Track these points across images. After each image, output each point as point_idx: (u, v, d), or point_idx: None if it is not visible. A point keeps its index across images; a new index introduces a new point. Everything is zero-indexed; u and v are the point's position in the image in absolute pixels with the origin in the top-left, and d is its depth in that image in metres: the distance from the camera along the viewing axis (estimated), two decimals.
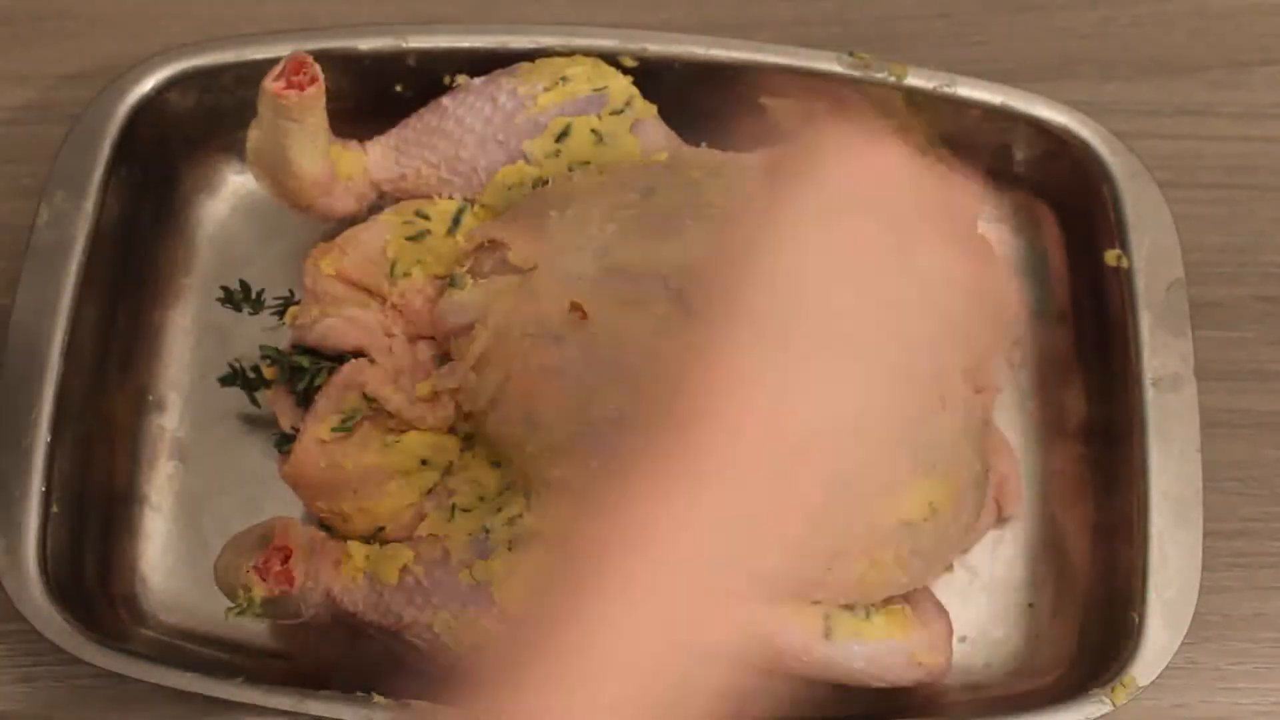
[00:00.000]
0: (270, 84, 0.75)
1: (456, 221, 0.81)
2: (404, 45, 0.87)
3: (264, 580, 0.74)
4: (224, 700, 0.77)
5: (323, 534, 0.78)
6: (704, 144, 0.84)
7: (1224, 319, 0.92)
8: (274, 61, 0.77)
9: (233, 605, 0.74)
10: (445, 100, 0.83)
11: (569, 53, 0.85)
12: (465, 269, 0.75)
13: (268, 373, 0.81)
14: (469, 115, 0.81)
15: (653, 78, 0.85)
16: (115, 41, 0.96)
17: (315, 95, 0.76)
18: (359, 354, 0.77)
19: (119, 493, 0.88)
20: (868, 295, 0.56)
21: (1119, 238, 0.86)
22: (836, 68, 0.88)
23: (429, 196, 0.82)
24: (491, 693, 0.51)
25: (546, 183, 0.78)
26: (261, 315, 0.85)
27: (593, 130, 0.81)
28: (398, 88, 0.88)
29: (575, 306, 0.72)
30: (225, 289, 0.86)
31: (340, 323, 0.78)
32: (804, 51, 0.88)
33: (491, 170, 0.81)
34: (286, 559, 0.74)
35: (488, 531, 0.74)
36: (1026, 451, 0.91)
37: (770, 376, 0.54)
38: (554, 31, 0.87)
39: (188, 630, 0.86)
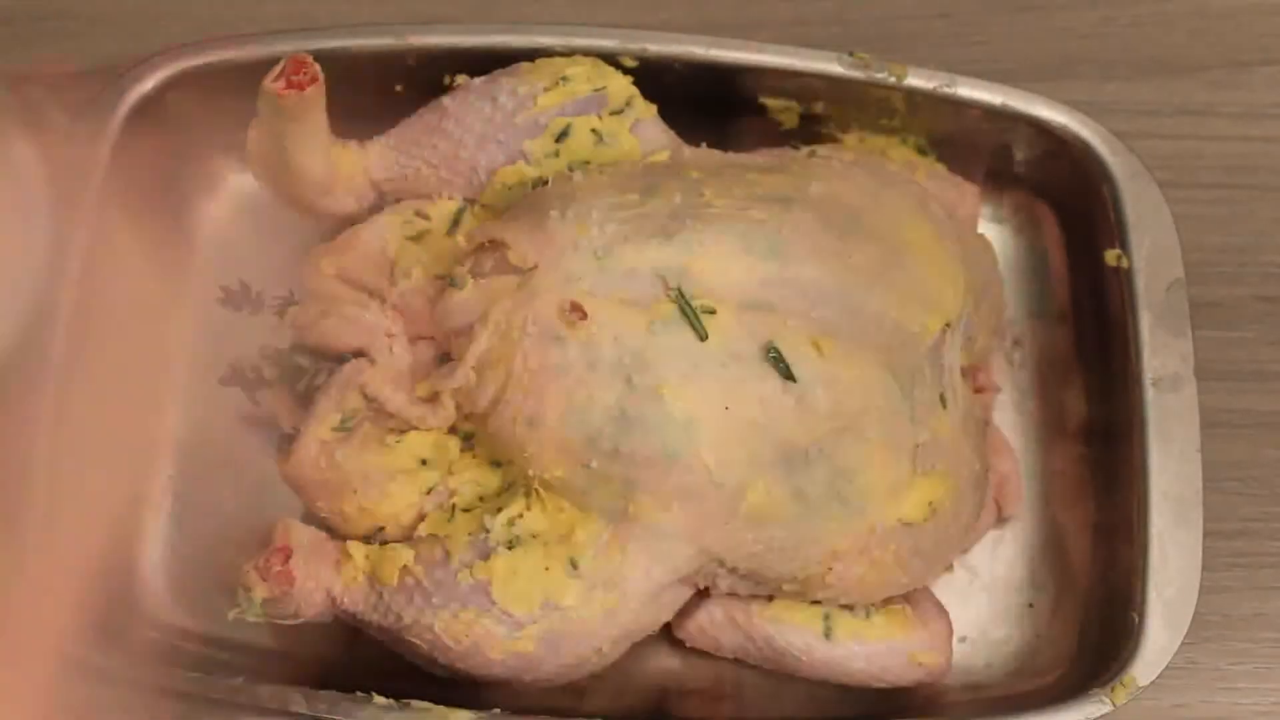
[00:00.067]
0: (270, 84, 0.75)
1: (456, 221, 0.81)
2: (404, 45, 0.87)
3: (264, 580, 0.74)
4: (224, 700, 0.77)
5: (323, 534, 0.78)
6: (704, 144, 0.84)
7: (1224, 319, 0.92)
8: (274, 61, 0.77)
9: (233, 605, 0.74)
10: (445, 100, 0.83)
11: (569, 53, 0.85)
12: (465, 269, 0.75)
13: (268, 373, 0.81)
14: (469, 115, 0.81)
15: (653, 78, 0.85)
16: (115, 41, 0.96)
17: (315, 95, 0.76)
18: (359, 354, 0.78)
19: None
20: None
21: (1119, 238, 0.86)
22: (836, 68, 0.88)
23: (429, 196, 0.82)
24: None
25: (546, 183, 0.78)
26: (261, 315, 0.85)
27: (593, 130, 0.81)
28: (398, 88, 0.88)
29: (575, 306, 0.72)
30: (225, 289, 0.86)
31: (340, 323, 0.78)
32: (804, 51, 0.88)
33: (491, 170, 0.81)
34: (287, 559, 0.74)
35: (488, 532, 0.74)
36: (1026, 451, 0.91)
37: None
38: (554, 31, 0.87)
39: (188, 630, 0.86)
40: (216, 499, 0.89)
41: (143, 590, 0.87)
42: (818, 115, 0.91)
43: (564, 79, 0.82)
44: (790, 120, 0.92)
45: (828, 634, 0.79)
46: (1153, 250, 0.86)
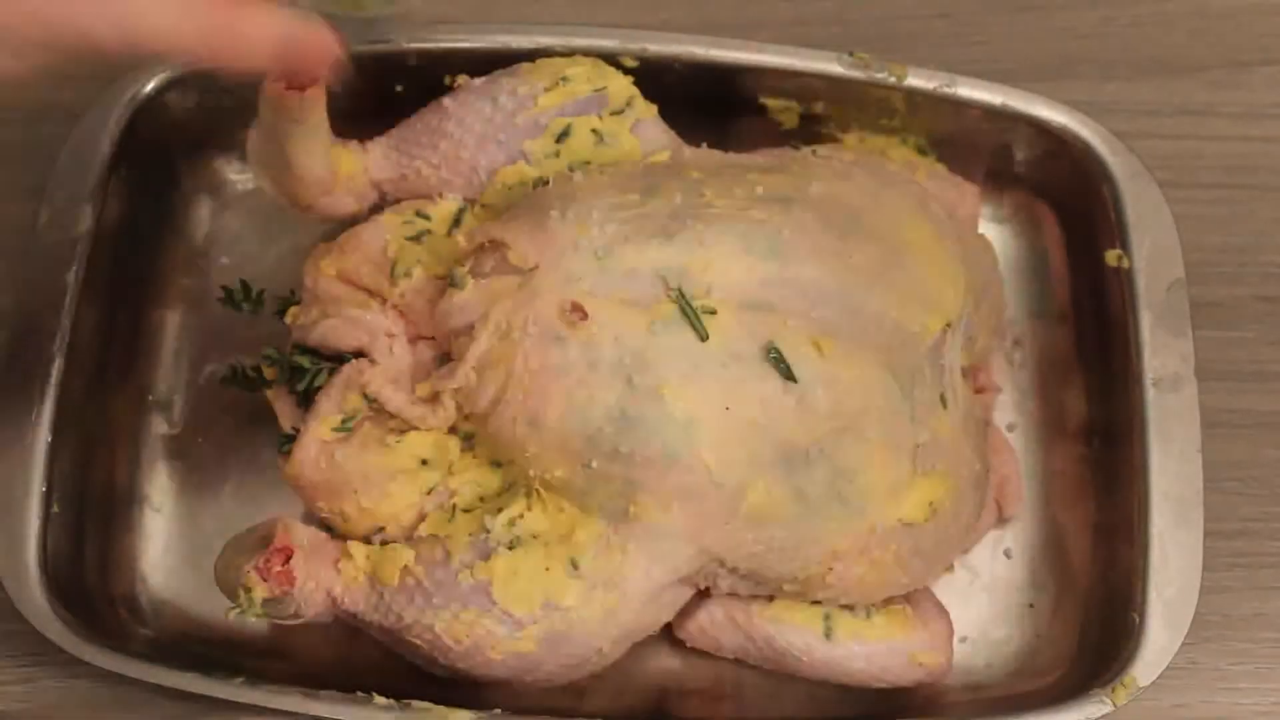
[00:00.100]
0: (271, 85, 0.75)
1: (457, 221, 0.81)
2: (404, 45, 0.87)
3: (264, 580, 0.74)
4: (224, 700, 0.77)
5: (323, 534, 0.78)
6: (704, 144, 0.84)
7: (1224, 319, 0.92)
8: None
9: (233, 605, 0.74)
10: (446, 100, 0.83)
11: (569, 53, 0.85)
12: (466, 269, 0.75)
13: (268, 373, 0.81)
14: (469, 115, 0.81)
15: (653, 78, 0.85)
16: None
17: (315, 96, 0.76)
18: (359, 354, 0.77)
19: (119, 493, 0.88)
20: None
21: (1119, 238, 0.87)
22: (836, 68, 0.88)
23: (429, 196, 0.82)
24: None
25: (547, 183, 0.78)
26: (261, 315, 0.85)
27: (593, 130, 0.81)
28: (398, 88, 0.88)
29: (576, 307, 0.72)
30: (225, 289, 0.86)
31: (341, 323, 0.78)
32: (804, 51, 0.88)
33: (492, 170, 0.81)
34: (287, 559, 0.74)
35: (488, 532, 0.74)
36: (1026, 451, 0.91)
37: None
38: (554, 31, 0.87)
39: (188, 630, 0.86)
40: (216, 499, 0.89)
41: (143, 590, 0.87)
42: (818, 115, 0.91)
43: (564, 79, 0.82)
44: (790, 120, 0.92)
45: (828, 634, 0.79)
46: (1153, 250, 0.86)
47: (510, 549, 0.74)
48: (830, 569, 0.76)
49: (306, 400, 0.79)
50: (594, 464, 0.72)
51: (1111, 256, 0.87)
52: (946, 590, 0.86)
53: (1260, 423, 0.91)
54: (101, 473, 0.87)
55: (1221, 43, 0.99)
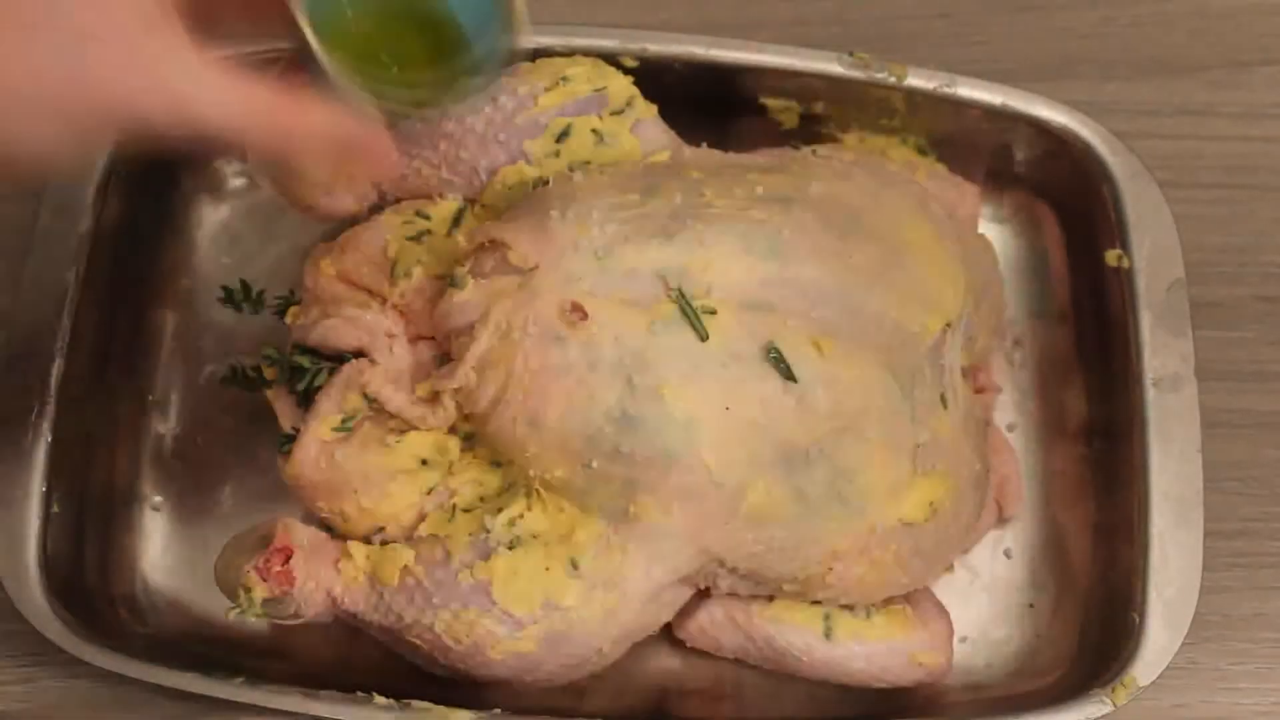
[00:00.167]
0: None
1: (457, 221, 0.81)
2: None
3: (264, 580, 0.74)
4: (224, 700, 0.77)
5: (323, 534, 0.78)
6: (704, 144, 0.84)
7: (1224, 319, 0.92)
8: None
9: (233, 605, 0.74)
10: None
11: (569, 53, 0.85)
12: (466, 269, 0.75)
13: (268, 373, 0.81)
14: (469, 115, 0.81)
15: (653, 78, 0.85)
16: None
17: None
18: (359, 354, 0.77)
19: (119, 493, 0.88)
20: None
21: (1119, 238, 0.87)
22: (836, 68, 0.88)
23: (429, 196, 0.82)
24: None
25: (547, 183, 0.78)
26: (261, 315, 0.85)
27: (593, 130, 0.81)
28: None
29: (576, 307, 0.72)
30: (225, 289, 0.86)
31: (341, 323, 0.78)
32: (804, 51, 0.88)
33: (492, 170, 0.81)
34: (287, 559, 0.74)
35: (488, 532, 0.74)
36: (1026, 451, 0.91)
37: None
38: (554, 31, 0.87)
39: (188, 630, 0.86)
40: (216, 499, 0.89)
41: (143, 590, 0.87)
42: (818, 115, 0.91)
43: (564, 79, 0.82)
44: (790, 120, 0.92)
45: (828, 634, 0.79)
46: (1153, 250, 0.86)
47: (510, 549, 0.74)
48: (830, 569, 0.76)
49: (306, 400, 0.79)
50: (594, 464, 0.72)
51: (1111, 256, 0.87)
52: (946, 590, 0.86)
53: (1260, 423, 0.91)
54: (101, 473, 0.87)
55: (1221, 43, 0.99)
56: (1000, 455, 0.87)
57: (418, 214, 0.81)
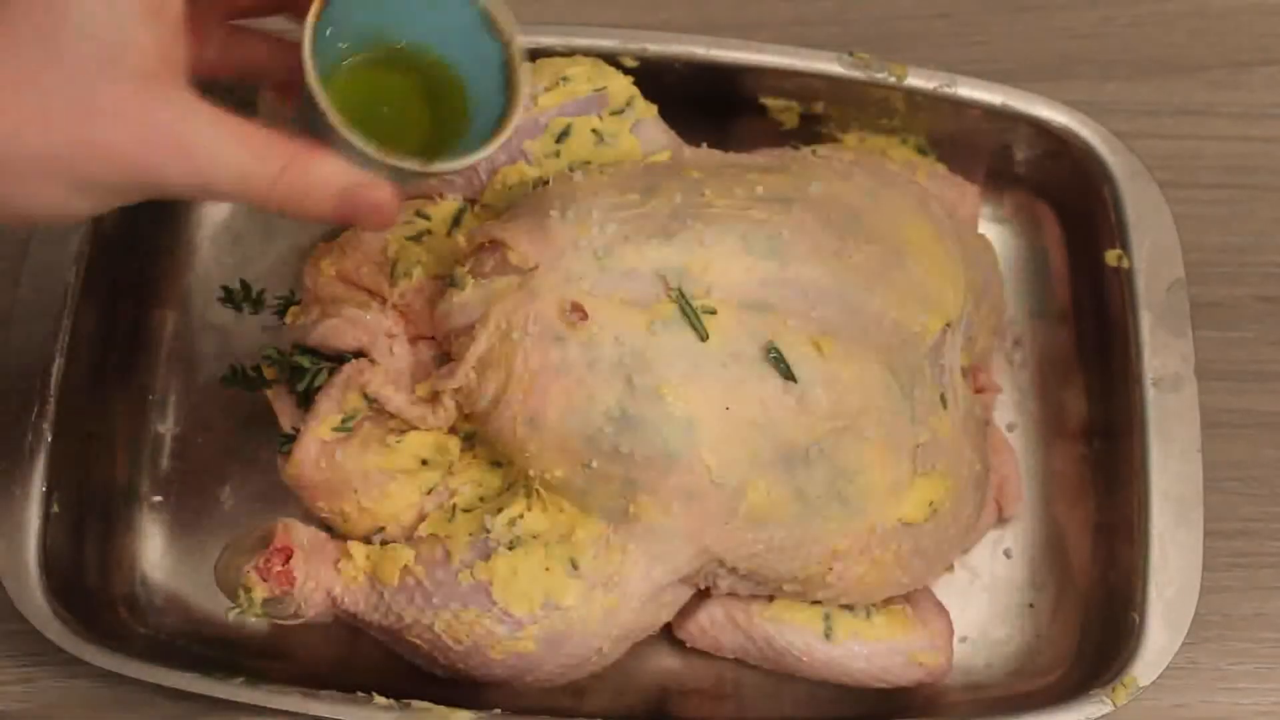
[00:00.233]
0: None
1: (457, 221, 0.81)
2: None
3: (265, 580, 0.74)
4: (224, 700, 0.77)
5: (323, 534, 0.78)
6: (704, 144, 0.84)
7: (1224, 319, 0.92)
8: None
9: (233, 605, 0.74)
10: None
11: (569, 53, 0.85)
12: (466, 269, 0.75)
13: (268, 373, 0.81)
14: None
15: (653, 78, 0.85)
16: None
17: None
18: (359, 354, 0.77)
19: (119, 493, 0.88)
20: None
21: (1119, 238, 0.87)
22: (836, 68, 0.88)
23: (429, 196, 0.82)
24: None
25: (547, 183, 0.78)
26: (261, 315, 0.85)
27: (593, 130, 0.81)
28: None
29: (576, 306, 0.72)
30: (225, 289, 0.86)
31: (341, 323, 0.78)
32: (804, 51, 0.88)
33: (492, 170, 0.81)
34: (287, 559, 0.74)
35: (488, 532, 0.74)
36: (1026, 451, 0.91)
37: None
38: (554, 31, 0.87)
39: (188, 630, 0.86)
40: (216, 499, 0.89)
41: (143, 590, 0.87)
42: (818, 115, 0.91)
43: (564, 79, 0.82)
44: (790, 120, 0.92)
45: (828, 634, 0.79)
46: (1153, 250, 0.86)
47: (510, 549, 0.74)
48: (830, 569, 0.76)
49: (306, 400, 0.79)
50: (594, 464, 0.72)
51: (1111, 256, 0.87)
52: (946, 590, 0.86)
53: (1260, 423, 0.91)
54: (101, 473, 0.87)
55: (1221, 43, 0.99)
56: (1000, 455, 0.87)
57: (418, 214, 0.81)
